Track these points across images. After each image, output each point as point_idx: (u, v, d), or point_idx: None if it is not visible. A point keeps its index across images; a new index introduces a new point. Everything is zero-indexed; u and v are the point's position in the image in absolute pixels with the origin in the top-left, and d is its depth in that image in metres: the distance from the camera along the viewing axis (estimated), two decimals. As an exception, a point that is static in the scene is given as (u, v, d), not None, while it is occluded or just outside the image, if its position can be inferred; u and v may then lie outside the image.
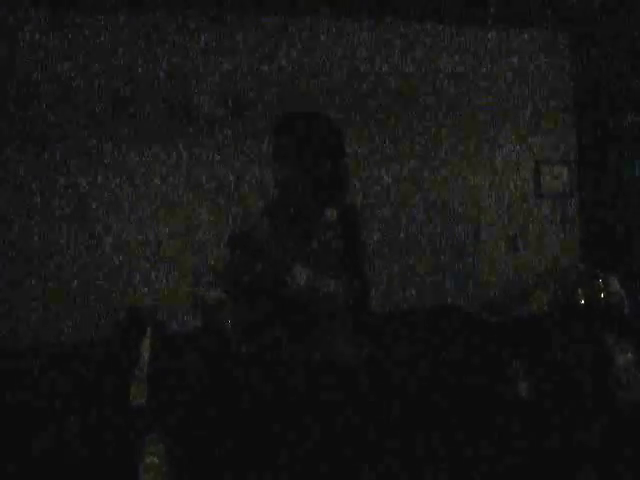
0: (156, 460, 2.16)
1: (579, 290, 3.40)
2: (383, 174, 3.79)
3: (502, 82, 4.06)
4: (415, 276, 3.82)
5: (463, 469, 2.28)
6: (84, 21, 3.31)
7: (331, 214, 1.86)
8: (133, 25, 3.37)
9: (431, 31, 3.89)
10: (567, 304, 3.49)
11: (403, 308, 3.76)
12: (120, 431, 2.45)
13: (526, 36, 4.11)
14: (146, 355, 2.55)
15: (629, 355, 2.57)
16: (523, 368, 2.87)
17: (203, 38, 3.46)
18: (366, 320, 1.93)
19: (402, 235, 3.80)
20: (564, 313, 3.48)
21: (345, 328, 1.89)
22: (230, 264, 1.85)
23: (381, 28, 3.79)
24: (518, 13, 3.81)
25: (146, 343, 2.58)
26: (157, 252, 3.37)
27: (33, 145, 3.21)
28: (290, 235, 1.88)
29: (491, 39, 4.03)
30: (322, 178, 1.84)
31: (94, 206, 3.31)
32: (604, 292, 3.30)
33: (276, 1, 3.39)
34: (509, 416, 2.70)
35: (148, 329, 2.63)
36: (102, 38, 3.33)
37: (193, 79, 3.47)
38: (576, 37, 4.15)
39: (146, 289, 3.33)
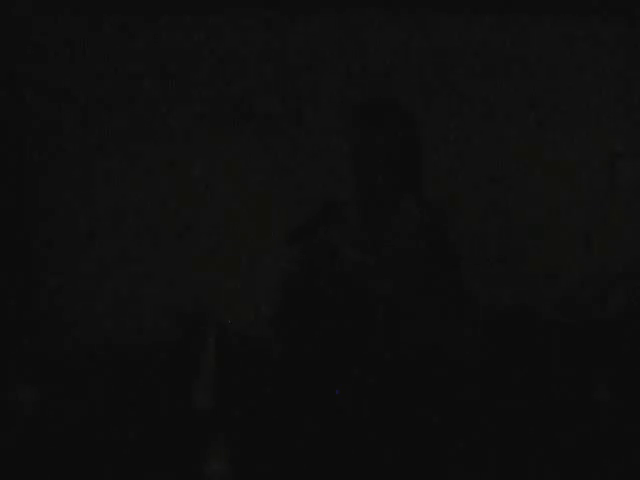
0: (222, 465, 2.14)
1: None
2: (460, 168, 3.66)
3: (578, 73, 3.87)
4: (486, 276, 3.68)
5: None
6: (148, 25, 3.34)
7: (407, 205, 1.79)
8: (195, 26, 3.39)
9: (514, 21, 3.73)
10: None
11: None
12: (185, 435, 2.45)
13: (605, 25, 3.91)
14: (211, 358, 2.54)
15: None
16: (604, 375, 2.73)
17: (259, 37, 3.44)
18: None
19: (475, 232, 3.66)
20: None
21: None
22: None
23: (461, 19, 3.65)
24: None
25: (211, 346, 2.56)
26: (224, 254, 3.35)
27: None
28: (365, 232, 1.82)
29: (567, 28, 3.85)
30: (399, 164, 1.78)
31: (173, 206, 3.34)
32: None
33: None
34: (589, 425, 2.56)
35: (213, 331, 2.61)
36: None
37: (251, 77, 3.44)
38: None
39: (211, 291, 3.32)
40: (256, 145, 3.47)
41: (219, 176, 3.42)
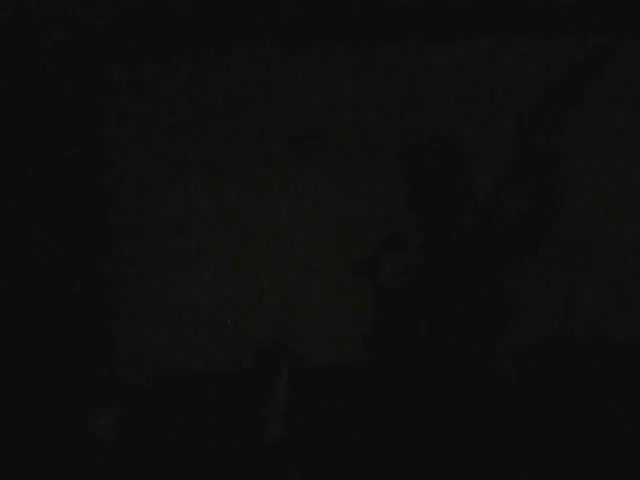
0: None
1: None
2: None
3: None
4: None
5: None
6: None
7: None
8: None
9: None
10: None
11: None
12: (258, 467, 2.46)
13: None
14: (284, 388, 2.55)
15: None
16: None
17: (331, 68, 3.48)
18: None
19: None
20: None
21: None
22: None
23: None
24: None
25: (284, 376, 2.57)
26: (301, 284, 3.38)
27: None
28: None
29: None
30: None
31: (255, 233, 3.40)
32: None
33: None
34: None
35: (286, 362, 2.62)
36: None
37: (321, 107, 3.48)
38: None
39: (279, 320, 3.33)
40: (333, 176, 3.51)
41: (295, 207, 3.46)
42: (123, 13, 3.02)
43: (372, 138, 3.50)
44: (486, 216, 1.74)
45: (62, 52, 3.28)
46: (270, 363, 2.71)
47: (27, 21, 3.00)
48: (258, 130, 3.48)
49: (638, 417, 2.76)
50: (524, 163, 1.63)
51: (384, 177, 3.30)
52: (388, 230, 1.98)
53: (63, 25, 3.05)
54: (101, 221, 3.38)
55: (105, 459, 2.66)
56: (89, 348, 3.13)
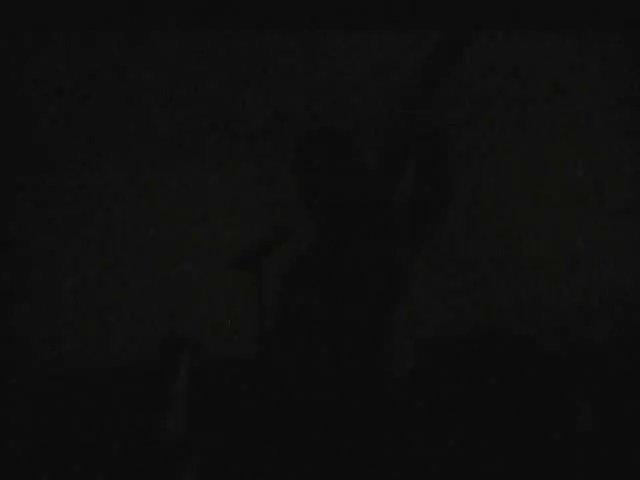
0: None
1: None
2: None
3: (562, 92, 3.85)
4: (458, 294, 3.64)
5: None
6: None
7: None
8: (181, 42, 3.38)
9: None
10: (632, 329, 3.27)
11: (444, 330, 3.58)
12: (156, 460, 2.40)
13: (591, 42, 3.89)
14: (183, 381, 2.49)
15: None
16: (584, 401, 2.68)
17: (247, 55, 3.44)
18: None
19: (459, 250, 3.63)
20: (629, 340, 3.27)
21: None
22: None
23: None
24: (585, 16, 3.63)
25: (184, 369, 2.51)
26: (199, 275, 3.32)
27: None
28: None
29: (551, 45, 3.83)
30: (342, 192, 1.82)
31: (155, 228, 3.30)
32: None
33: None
34: (568, 454, 2.52)
35: (186, 355, 2.57)
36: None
37: (236, 94, 3.43)
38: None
39: (186, 314, 3.28)
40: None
41: (207, 194, 3.40)
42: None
43: (270, 125, 3.49)
44: (375, 202, 1.76)
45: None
46: (168, 355, 2.65)
47: None
48: (171, 117, 3.40)
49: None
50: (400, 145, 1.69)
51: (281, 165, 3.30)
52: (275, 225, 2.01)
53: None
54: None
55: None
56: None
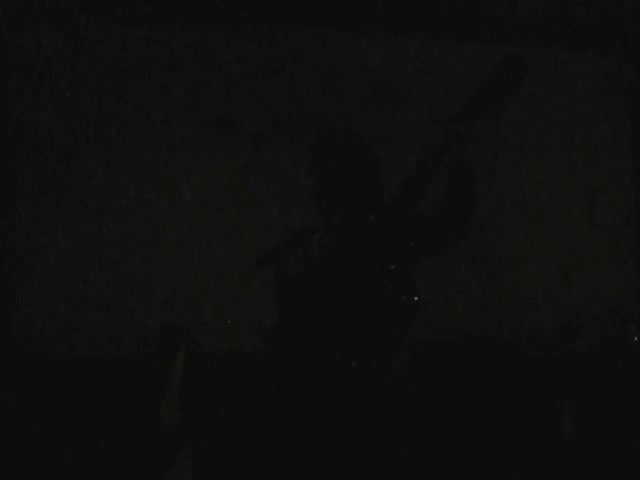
0: (185, 477, 2.14)
1: (632, 326, 3.24)
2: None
3: (556, 109, 3.92)
4: (453, 305, 3.67)
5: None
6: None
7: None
8: (181, 40, 3.42)
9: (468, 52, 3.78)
10: (619, 340, 3.32)
11: (440, 338, 3.62)
12: (150, 447, 2.43)
13: (583, 61, 3.97)
14: (179, 372, 2.53)
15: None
16: (568, 407, 2.74)
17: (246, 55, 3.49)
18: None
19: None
20: (616, 350, 3.31)
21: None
22: None
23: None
24: (576, 35, 3.70)
25: (179, 360, 2.56)
26: (196, 268, 3.35)
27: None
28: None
29: (545, 62, 3.90)
30: (353, 185, 1.83)
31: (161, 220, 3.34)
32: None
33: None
34: (551, 457, 2.57)
35: (182, 346, 2.61)
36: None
37: (235, 94, 3.48)
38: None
39: (182, 306, 3.30)
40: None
41: (207, 192, 3.43)
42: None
43: (283, 127, 3.53)
44: (391, 212, 1.76)
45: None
46: (167, 347, 2.69)
47: None
48: (169, 114, 3.41)
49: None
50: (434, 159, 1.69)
51: (294, 167, 3.34)
52: (295, 222, 1.99)
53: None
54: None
55: None
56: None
